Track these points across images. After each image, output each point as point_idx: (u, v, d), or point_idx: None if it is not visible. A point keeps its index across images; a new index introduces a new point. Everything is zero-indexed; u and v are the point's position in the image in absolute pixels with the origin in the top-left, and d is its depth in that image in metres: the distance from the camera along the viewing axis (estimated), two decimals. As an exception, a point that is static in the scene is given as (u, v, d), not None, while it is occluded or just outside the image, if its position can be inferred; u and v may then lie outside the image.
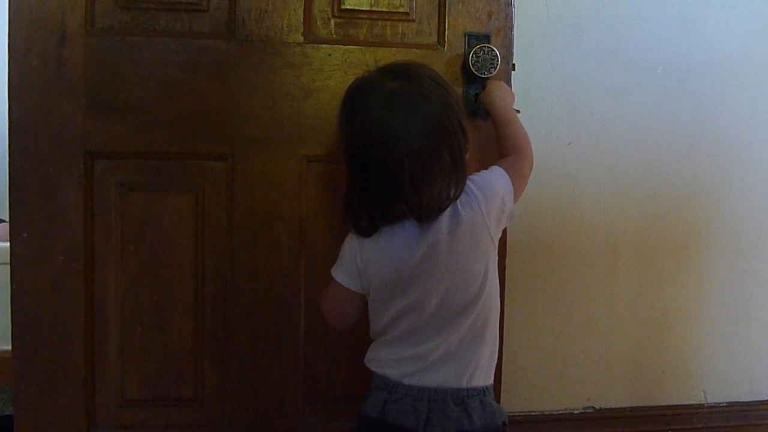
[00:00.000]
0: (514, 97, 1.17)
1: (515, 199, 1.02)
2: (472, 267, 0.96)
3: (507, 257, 1.20)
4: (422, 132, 0.90)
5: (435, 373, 0.95)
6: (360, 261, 0.99)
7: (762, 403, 1.76)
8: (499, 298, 1.01)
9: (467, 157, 0.95)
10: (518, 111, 1.15)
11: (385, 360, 0.99)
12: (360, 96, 0.95)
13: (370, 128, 0.91)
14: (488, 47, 1.18)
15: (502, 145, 1.11)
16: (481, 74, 1.19)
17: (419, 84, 0.93)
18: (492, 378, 0.99)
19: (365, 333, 1.05)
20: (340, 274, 1.02)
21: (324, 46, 1.19)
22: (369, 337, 1.05)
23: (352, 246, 1.00)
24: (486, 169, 1.03)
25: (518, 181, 1.03)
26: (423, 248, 0.94)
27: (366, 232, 0.97)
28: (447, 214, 0.94)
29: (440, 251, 0.94)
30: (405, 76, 0.94)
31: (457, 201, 0.95)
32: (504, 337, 1.03)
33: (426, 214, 0.93)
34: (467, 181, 0.97)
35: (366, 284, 1.00)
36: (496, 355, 1.01)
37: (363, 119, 0.93)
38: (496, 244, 0.99)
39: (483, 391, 0.97)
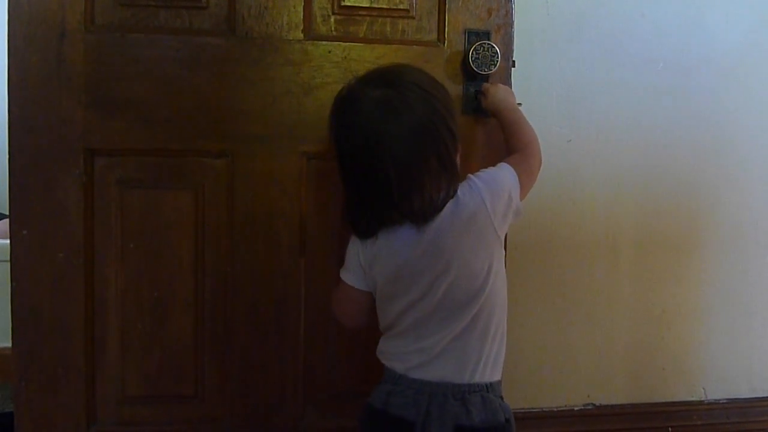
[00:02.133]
0: (514, 95, 1.17)
1: (523, 195, 1.02)
2: (474, 262, 0.96)
3: (507, 254, 1.20)
4: (405, 140, 0.90)
5: (437, 367, 0.96)
6: (363, 260, 1.00)
7: (762, 400, 1.76)
8: (505, 295, 1.01)
9: (457, 158, 0.96)
10: (520, 104, 1.15)
11: (393, 353, 1.00)
12: (344, 106, 0.96)
13: (355, 139, 0.93)
14: (488, 44, 1.18)
15: (510, 143, 1.11)
16: (481, 71, 1.18)
17: (402, 91, 0.92)
18: (498, 375, 1.00)
19: (366, 330, 1.05)
20: (346, 273, 1.04)
21: (324, 43, 1.19)
22: (369, 334, 1.06)
23: (354, 246, 1.02)
24: (492, 165, 1.03)
25: (526, 177, 1.03)
26: (422, 246, 0.95)
27: (364, 235, 0.98)
28: (448, 210, 0.95)
29: (441, 248, 0.95)
30: (388, 84, 0.94)
31: (460, 197, 0.95)
32: (504, 333, 1.03)
33: (420, 218, 0.94)
34: (473, 178, 0.99)
35: (371, 282, 1.01)
36: (503, 352, 1.01)
37: (348, 130, 0.94)
38: (503, 239, 0.99)
39: (486, 387, 0.97)
